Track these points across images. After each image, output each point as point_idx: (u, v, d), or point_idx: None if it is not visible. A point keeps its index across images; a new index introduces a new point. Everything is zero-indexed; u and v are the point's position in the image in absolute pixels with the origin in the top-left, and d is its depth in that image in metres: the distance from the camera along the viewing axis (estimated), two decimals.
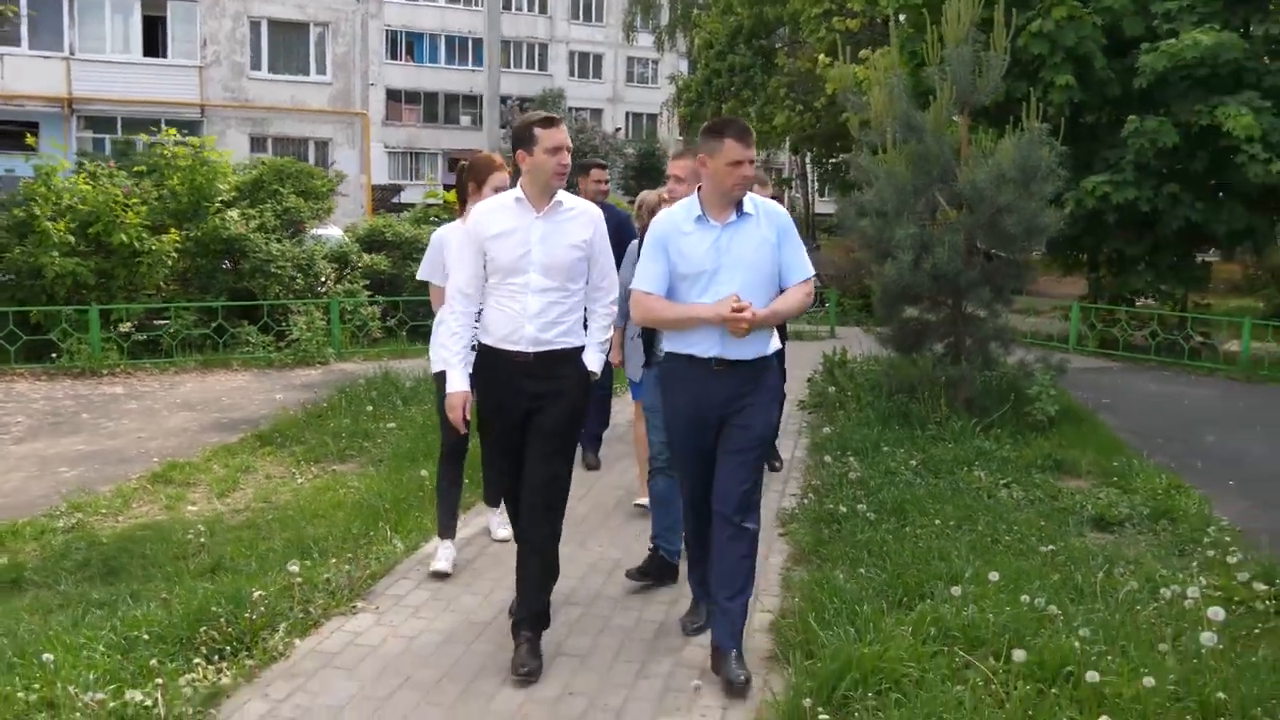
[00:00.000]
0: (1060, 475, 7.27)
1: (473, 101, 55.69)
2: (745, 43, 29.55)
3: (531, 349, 4.15)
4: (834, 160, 29.17)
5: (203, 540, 5.61)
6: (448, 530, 5.37)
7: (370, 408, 8.74)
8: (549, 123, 4.15)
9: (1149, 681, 3.79)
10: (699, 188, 4.17)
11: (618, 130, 54.28)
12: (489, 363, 4.24)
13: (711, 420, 4.14)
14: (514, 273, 4.14)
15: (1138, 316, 14.27)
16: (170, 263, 11.66)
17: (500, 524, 5.68)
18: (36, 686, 3.74)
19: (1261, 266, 20.93)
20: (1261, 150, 11.81)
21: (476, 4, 55.24)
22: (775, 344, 4.25)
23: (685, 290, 4.12)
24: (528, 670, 4.10)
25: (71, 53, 27.50)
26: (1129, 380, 11.82)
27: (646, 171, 52.89)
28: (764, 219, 4.16)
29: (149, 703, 3.69)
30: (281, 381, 10.54)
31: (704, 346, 4.06)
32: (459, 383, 4.26)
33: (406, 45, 53.66)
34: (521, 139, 4.15)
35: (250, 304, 11.95)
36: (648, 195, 6.91)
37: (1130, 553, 5.54)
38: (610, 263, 4.38)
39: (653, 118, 57.61)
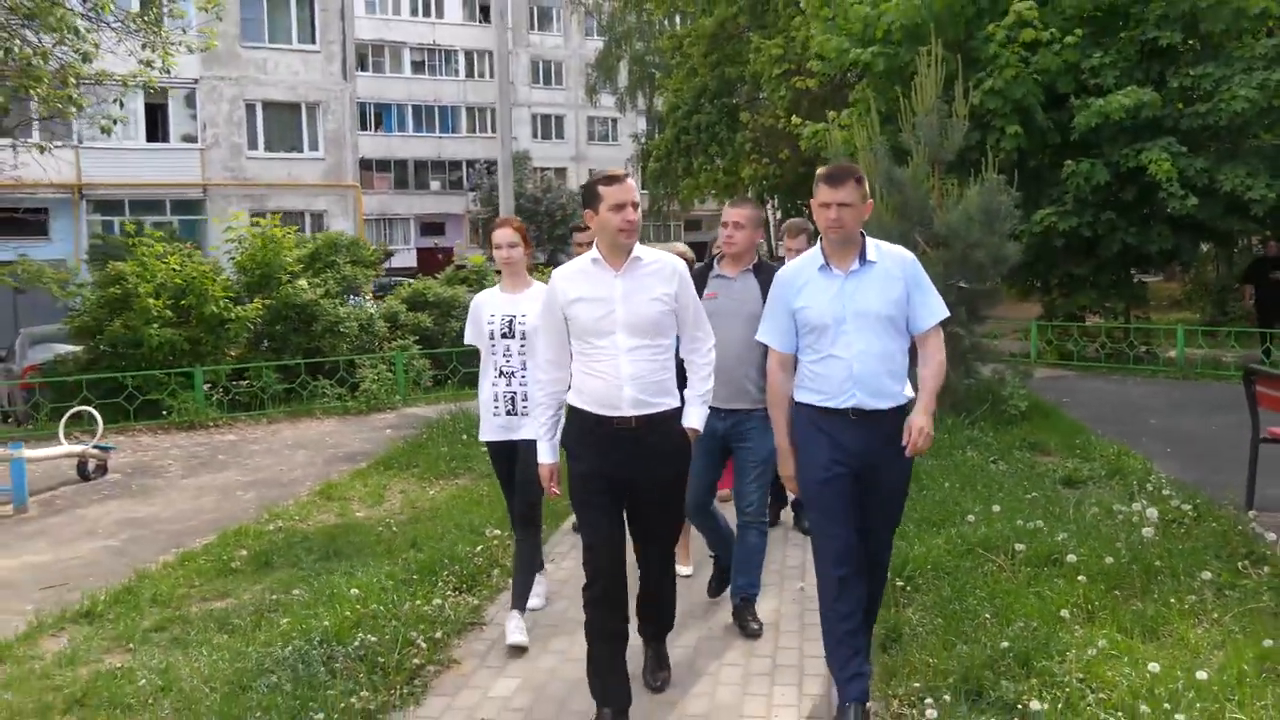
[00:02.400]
0: (1035, 453, 9.10)
1: (441, 167, 57.88)
2: (710, 101, 31.49)
3: (633, 412, 4.02)
4: (796, 207, 31.05)
5: (394, 529, 7.32)
6: (521, 600, 5.31)
7: (464, 436, 10.46)
8: (611, 180, 4.04)
9: (1109, 559, 5.66)
10: (820, 236, 4.18)
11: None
12: (587, 428, 4.10)
13: (850, 471, 4.04)
14: (599, 334, 4.02)
15: (1088, 333, 16.30)
16: (253, 328, 13.38)
17: (516, 629, 5.16)
18: (356, 607, 5.45)
19: (1196, 283, 23.24)
20: (1179, 188, 13.97)
21: (441, 74, 57.55)
22: (909, 391, 4.13)
23: (814, 341, 4.08)
24: (660, 684, 4.56)
25: (79, 141, 29.12)
26: (1084, 383, 13.81)
27: None
28: (891, 265, 4.09)
29: (438, 613, 5.44)
30: (366, 425, 12.25)
31: (841, 398, 4.01)
32: (547, 455, 4.23)
33: (375, 116, 55.62)
34: (588, 198, 4.08)
35: (322, 360, 13.64)
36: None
37: (1093, 497, 7.38)
38: (702, 311, 4.29)
39: None
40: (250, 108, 31.49)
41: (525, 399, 5.18)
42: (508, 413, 5.26)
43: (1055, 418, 10.70)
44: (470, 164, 57.17)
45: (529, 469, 4.56)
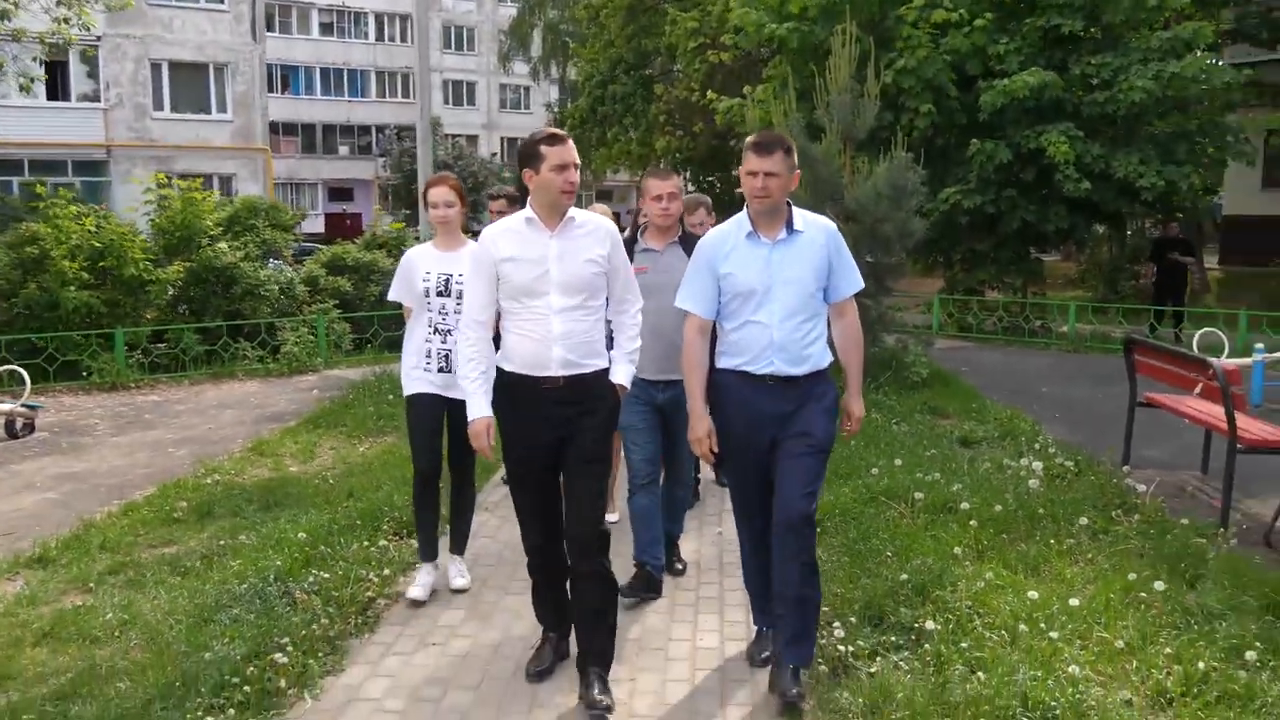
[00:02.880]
0: (934, 416, 9.73)
1: (350, 131, 57.29)
2: (626, 73, 31.78)
3: (562, 372, 4.02)
4: (710, 179, 31.58)
5: (330, 482, 7.63)
6: (429, 553, 5.49)
7: (390, 397, 10.74)
8: (554, 140, 4.00)
9: (998, 507, 6.24)
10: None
11: (494, 155, 56.38)
12: (515, 391, 4.10)
13: (767, 434, 4.11)
14: (532, 294, 4.01)
15: (987, 306, 17.12)
16: (172, 291, 13.46)
17: (458, 573, 5.55)
18: (305, 549, 5.78)
19: (1090, 262, 24.33)
20: (1074, 171, 14.82)
21: (350, 37, 56.85)
22: (828, 357, 4.18)
23: (737, 308, 4.12)
24: (606, 706, 4.06)
25: None
26: (982, 354, 14.57)
27: (525, 194, 55.13)
28: (816, 234, 4.15)
29: (383, 554, 5.80)
30: (289, 386, 12.45)
31: (760, 364, 4.07)
32: (481, 409, 4.09)
33: (282, 78, 54.78)
34: (527, 157, 4.02)
35: (244, 323, 13.76)
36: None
37: (986, 454, 7.99)
38: (631, 274, 4.30)
39: None
40: (156, 67, 31.01)
41: None
42: (440, 369, 5.20)
43: (954, 385, 11.37)
44: (380, 129, 56.69)
45: (464, 429, 4.25)
